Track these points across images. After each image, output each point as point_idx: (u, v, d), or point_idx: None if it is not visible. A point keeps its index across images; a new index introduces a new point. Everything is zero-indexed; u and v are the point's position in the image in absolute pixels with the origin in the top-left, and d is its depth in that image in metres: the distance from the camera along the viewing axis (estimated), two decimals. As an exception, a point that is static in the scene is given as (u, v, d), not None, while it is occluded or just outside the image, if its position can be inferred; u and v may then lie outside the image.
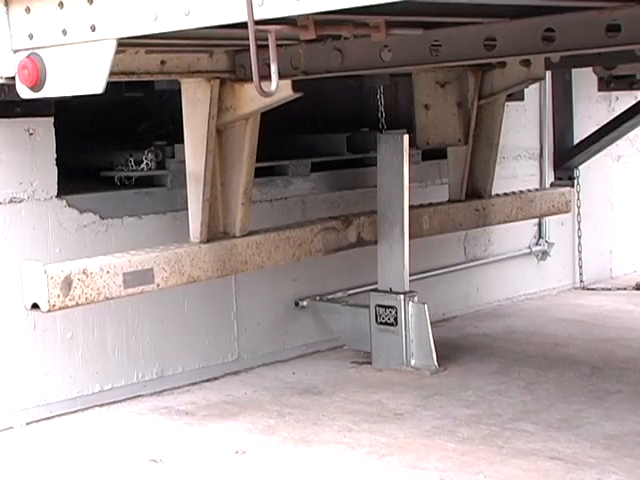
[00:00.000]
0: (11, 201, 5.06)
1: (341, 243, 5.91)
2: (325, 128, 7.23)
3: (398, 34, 4.23)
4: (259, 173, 6.13)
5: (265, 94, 3.22)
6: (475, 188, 6.75)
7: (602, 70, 6.41)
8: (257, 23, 3.02)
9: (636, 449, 4.47)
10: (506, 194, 7.00)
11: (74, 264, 4.59)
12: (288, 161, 6.31)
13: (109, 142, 6.70)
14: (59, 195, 5.23)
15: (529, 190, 7.22)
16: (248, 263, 5.33)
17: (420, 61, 4.52)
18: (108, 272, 4.64)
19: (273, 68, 3.21)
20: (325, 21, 3.65)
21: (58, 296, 4.45)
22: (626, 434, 4.67)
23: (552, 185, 7.55)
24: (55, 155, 5.21)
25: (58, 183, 5.23)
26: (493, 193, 6.84)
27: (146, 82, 5.59)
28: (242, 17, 3.03)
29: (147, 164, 5.71)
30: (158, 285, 4.87)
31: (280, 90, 4.63)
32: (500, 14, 4.06)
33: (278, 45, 4.60)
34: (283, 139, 7.04)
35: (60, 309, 4.53)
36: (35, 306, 4.47)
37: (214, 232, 5.24)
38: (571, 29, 3.86)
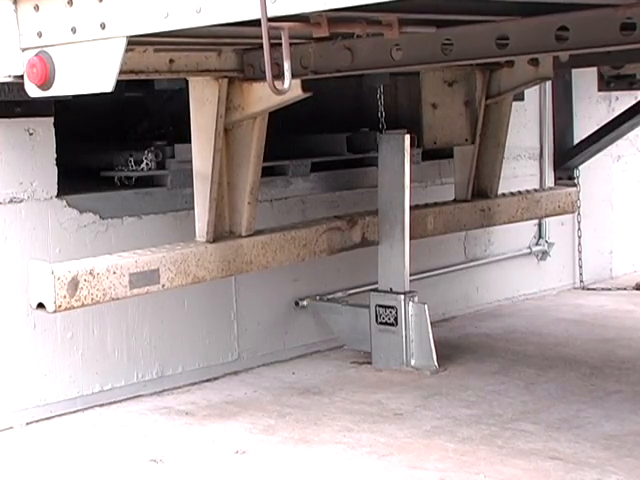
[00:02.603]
0: (11, 201, 5.06)
1: (345, 244, 5.90)
2: (325, 128, 7.22)
3: (411, 32, 4.20)
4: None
5: (278, 92, 3.21)
6: (481, 188, 6.74)
7: (609, 69, 6.37)
8: (270, 20, 3.00)
9: (636, 449, 4.47)
10: (512, 194, 6.97)
11: (81, 264, 4.56)
12: (288, 161, 6.31)
13: (109, 142, 6.70)
14: (59, 195, 5.23)
15: (535, 190, 7.19)
16: (253, 263, 5.32)
17: (431, 60, 4.48)
18: (114, 273, 4.62)
19: (286, 66, 3.20)
20: (338, 19, 3.63)
21: (64, 297, 4.43)
22: (626, 434, 4.67)
23: (558, 185, 7.52)
24: (55, 155, 5.21)
25: (58, 183, 5.23)
26: (499, 193, 6.85)
27: (146, 82, 5.59)
28: (255, 14, 3.00)
29: (147, 164, 5.71)
30: (163, 285, 4.86)
31: (290, 90, 4.68)
32: (512, 12, 4.03)
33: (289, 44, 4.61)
34: (283, 139, 7.04)
35: (66, 309, 4.51)
36: (41, 306, 4.45)
37: (220, 231, 5.22)
38: (585, 27, 3.81)
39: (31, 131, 5.11)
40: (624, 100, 8.21)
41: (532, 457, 4.41)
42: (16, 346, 5.09)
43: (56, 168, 5.22)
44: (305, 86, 4.72)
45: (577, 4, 3.73)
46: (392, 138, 6.03)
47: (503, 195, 6.88)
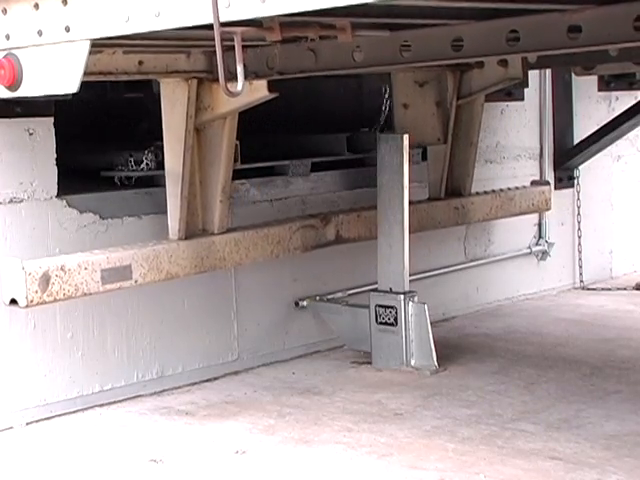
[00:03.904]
0: (11, 201, 5.06)
1: (320, 241, 5.97)
2: (325, 128, 7.23)
3: (365, 35, 4.30)
4: (259, 173, 6.15)
5: (231, 94, 3.29)
6: (455, 186, 6.85)
7: (582, 70, 6.45)
8: (223, 25, 3.07)
9: (636, 449, 4.47)
10: (486, 192, 7.08)
11: (52, 260, 4.69)
12: (288, 161, 6.31)
13: (109, 142, 6.70)
14: (59, 195, 5.23)
15: (509, 188, 7.27)
16: (226, 260, 5.43)
17: (391, 61, 4.59)
18: (86, 268, 4.74)
19: (239, 69, 3.29)
20: (291, 23, 3.69)
21: (36, 292, 4.56)
22: (626, 434, 4.67)
23: (532, 183, 7.58)
24: (55, 155, 5.21)
25: (58, 183, 5.23)
26: (476, 191, 6.93)
27: (146, 82, 5.60)
28: (210, 19, 3.08)
29: (147, 164, 5.72)
30: (136, 281, 4.97)
31: (256, 90, 4.77)
32: (465, 16, 4.12)
33: (253, 46, 4.67)
34: (283, 139, 7.04)
35: (38, 305, 4.62)
36: (13, 302, 4.57)
37: (193, 229, 5.34)
38: (534, 30, 3.95)
39: (31, 131, 5.11)
40: (624, 100, 8.21)
41: (532, 457, 4.41)
42: (16, 346, 5.09)
43: (56, 168, 5.22)
44: (271, 87, 4.83)
45: (527, 9, 3.86)
46: (391, 138, 6.04)
47: (477, 193, 6.96)
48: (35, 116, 5.09)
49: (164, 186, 5.66)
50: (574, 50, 4.08)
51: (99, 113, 7.05)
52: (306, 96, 7.40)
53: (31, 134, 5.11)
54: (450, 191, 6.82)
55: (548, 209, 7.54)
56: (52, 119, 5.17)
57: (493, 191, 7.13)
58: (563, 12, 3.81)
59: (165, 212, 5.59)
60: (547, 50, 4.18)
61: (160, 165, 5.73)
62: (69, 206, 5.28)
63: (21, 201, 5.09)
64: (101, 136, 7.03)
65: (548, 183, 7.60)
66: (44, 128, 5.15)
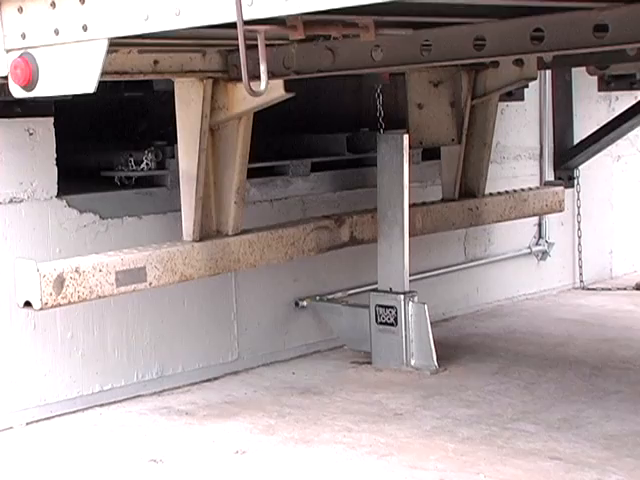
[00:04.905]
0: (11, 201, 5.06)
1: (334, 242, 5.94)
2: (325, 128, 7.23)
3: (387, 34, 4.27)
4: (259, 173, 6.15)
5: (254, 94, 3.26)
6: (469, 187, 6.81)
7: (596, 70, 6.43)
8: (246, 23, 3.04)
9: (636, 449, 4.47)
10: (499, 193, 7.03)
11: (67, 262, 4.63)
12: (288, 161, 6.31)
13: (109, 142, 6.70)
14: (59, 195, 5.23)
15: (522, 189, 7.24)
16: (241, 262, 5.39)
17: (411, 61, 4.56)
18: (100, 270, 4.69)
19: (262, 68, 3.26)
20: (314, 21, 3.67)
21: (50, 294, 4.50)
22: (626, 434, 4.67)
23: (545, 184, 7.56)
24: (55, 155, 5.21)
25: (58, 183, 5.23)
26: (487, 192, 6.89)
27: (146, 82, 5.59)
28: (232, 17, 3.05)
29: (147, 164, 5.72)
30: (150, 283, 4.92)
31: (272, 90, 4.69)
32: (489, 14, 4.08)
33: (270, 45, 4.65)
34: (283, 139, 7.04)
35: (52, 307, 4.58)
36: (28, 304, 4.51)
37: (207, 231, 5.30)
38: (559, 29, 3.90)
39: (31, 131, 5.11)
40: (624, 100, 8.21)
41: (532, 457, 4.41)
42: (16, 346, 5.09)
43: (56, 168, 5.22)
44: (288, 86, 4.78)
45: (552, 7, 3.80)
46: (391, 138, 6.04)
47: (490, 194, 6.93)
48: (35, 116, 5.09)
49: (164, 186, 5.69)
50: (594, 49, 3.99)
51: (99, 112, 7.04)
52: (306, 96, 7.40)
53: (31, 134, 5.11)
54: (464, 192, 6.76)
55: (561, 210, 7.45)
56: (52, 119, 5.18)
57: (507, 192, 7.08)
58: (590, 10, 3.73)
59: (165, 212, 5.62)
60: (572, 49, 4.07)
61: (160, 165, 5.74)
62: (69, 206, 5.28)
63: (21, 201, 5.09)
64: (101, 136, 7.03)
65: (562, 184, 7.56)
66: (44, 128, 5.15)
